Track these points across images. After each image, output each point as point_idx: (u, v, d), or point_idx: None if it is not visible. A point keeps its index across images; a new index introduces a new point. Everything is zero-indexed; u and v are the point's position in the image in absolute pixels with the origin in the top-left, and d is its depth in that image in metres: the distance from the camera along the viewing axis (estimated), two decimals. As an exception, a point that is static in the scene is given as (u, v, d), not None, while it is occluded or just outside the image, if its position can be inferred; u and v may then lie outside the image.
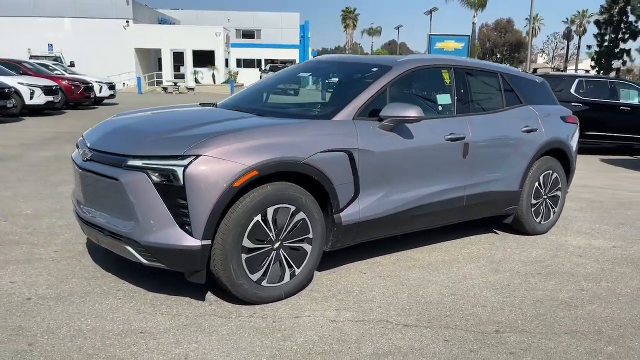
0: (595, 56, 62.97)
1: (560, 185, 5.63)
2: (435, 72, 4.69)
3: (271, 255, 3.56)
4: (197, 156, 3.27)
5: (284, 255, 3.62)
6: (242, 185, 3.34)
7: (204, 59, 41.30)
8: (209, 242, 3.31)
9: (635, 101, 12.90)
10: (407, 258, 4.68)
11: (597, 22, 61.17)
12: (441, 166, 4.49)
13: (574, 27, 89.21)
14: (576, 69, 43.18)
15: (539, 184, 5.37)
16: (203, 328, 3.26)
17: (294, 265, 3.68)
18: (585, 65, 75.24)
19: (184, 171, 3.23)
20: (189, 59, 41.13)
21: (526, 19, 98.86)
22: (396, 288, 3.99)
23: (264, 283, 3.56)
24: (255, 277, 3.51)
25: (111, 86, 23.20)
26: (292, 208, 3.57)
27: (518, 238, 5.44)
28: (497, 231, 5.60)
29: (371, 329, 3.33)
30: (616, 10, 57.29)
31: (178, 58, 41.51)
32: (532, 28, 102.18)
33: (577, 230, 5.81)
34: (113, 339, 3.09)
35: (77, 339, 3.07)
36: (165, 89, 35.09)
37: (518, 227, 5.43)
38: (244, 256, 3.45)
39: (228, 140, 3.40)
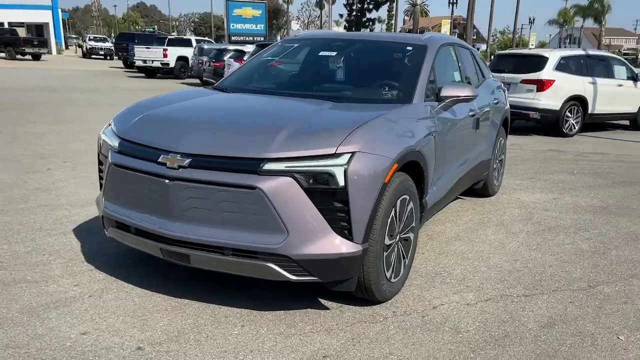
0: (346, 24, 69.95)
1: (504, 150, 6.42)
2: (448, 49, 4.90)
3: (395, 250, 3.47)
4: (353, 153, 2.98)
5: (400, 248, 3.55)
6: (390, 180, 3.18)
7: None
8: (367, 245, 3.09)
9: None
10: (432, 232, 4.91)
11: (346, -8, 67.23)
12: (467, 141, 4.80)
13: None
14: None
15: (497, 150, 6.05)
16: (376, 339, 3.06)
17: (405, 256, 3.64)
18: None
19: (345, 171, 2.93)
20: None
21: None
22: (469, 263, 4.22)
23: (392, 279, 3.46)
24: (388, 274, 3.40)
25: None
26: (407, 198, 3.51)
27: (483, 200, 6.07)
28: (460, 197, 6.15)
29: (507, 306, 3.52)
30: (362, -20, 63.63)
31: None
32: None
33: (512, 188, 6.71)
34: (309, 371, 2.73)
35: (272, 381, 2.64)
36: None
37: (483, 191, 6.06)
38: (384, 254, 3.30)
39: (370, 133, 3.16)
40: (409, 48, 4.47)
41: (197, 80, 23.51)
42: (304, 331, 3.10)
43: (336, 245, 2.97)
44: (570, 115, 11.43)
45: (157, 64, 25.42)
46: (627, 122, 13.01)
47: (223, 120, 3.39)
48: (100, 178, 3.76)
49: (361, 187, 2.97)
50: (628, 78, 12.33)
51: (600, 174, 7.73)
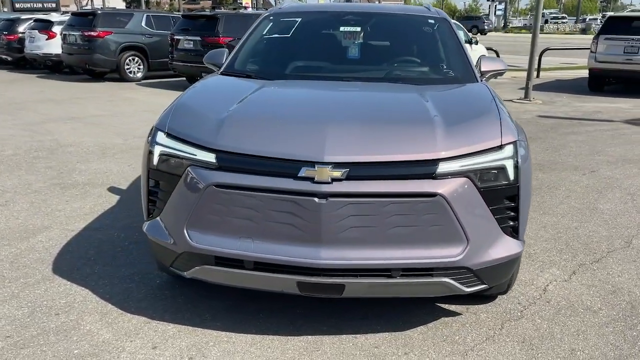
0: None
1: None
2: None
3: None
4: (514, 142, 2.77)
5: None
6: (528, 167, 3.04)
7: None
8: (524, 240, 2.92)
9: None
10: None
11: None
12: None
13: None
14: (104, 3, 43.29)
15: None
16: (542, 336, 2.94)
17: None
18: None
19: (516, 163, 2.71)
20: None
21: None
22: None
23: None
24: (509, 264, 3.28)
25: None
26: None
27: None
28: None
29: (594, 275, 3.66)
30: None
31: None
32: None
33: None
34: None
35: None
36: None
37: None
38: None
39: (508, 118, 2.97)
40: (432, 22, 4.25)
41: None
42: (469, 344, 2.85)
43: (509, 246, 2.75)
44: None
45: None
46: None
47: (356, 117, 2.85)
48: (152, 202, 2.93)
49: (526, 179, 2.78)
50: (466, 42, 13.61)
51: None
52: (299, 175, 2.50)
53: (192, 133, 2.76)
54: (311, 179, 2.49)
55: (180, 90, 12.55)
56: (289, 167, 2.52)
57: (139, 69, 14.37)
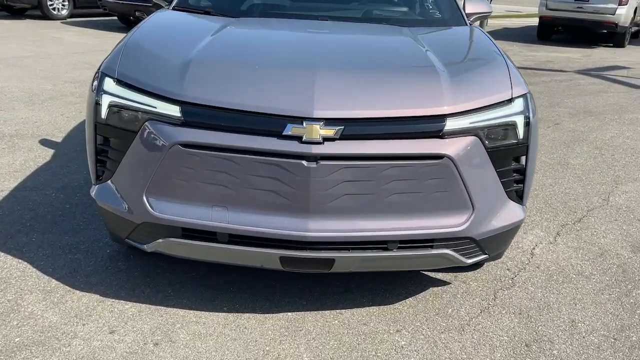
0: None
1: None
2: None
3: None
4: (524, 95, 2.50)
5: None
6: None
7: None
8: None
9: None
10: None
11: None
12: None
13: None
14: None
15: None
16: (537, 307, 2.78)
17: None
18: None
19: (527, 119, 2.44)
20: None
21: None
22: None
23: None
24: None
25: None
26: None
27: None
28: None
29: (579, 237, 3.54)
30: None
31: None
32: None
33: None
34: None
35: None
36: None
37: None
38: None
39: (514, 66, 2.69)
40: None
41: None
42: (464, 318, 2.65)
43: (514, 213, 2.52)
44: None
45: None
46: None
47: (347, 63, 2.48)
48: (101, 163, 2.48)
49: (535, 136, 2.53)
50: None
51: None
52: (283, 133, 2.13)
53: (149, 80, 2.32)
54: (299, 138, 2.13)
55: (111, 31, 11.75)
56: (271, 124, 2.15)
57: (63, 5, 13.17)
